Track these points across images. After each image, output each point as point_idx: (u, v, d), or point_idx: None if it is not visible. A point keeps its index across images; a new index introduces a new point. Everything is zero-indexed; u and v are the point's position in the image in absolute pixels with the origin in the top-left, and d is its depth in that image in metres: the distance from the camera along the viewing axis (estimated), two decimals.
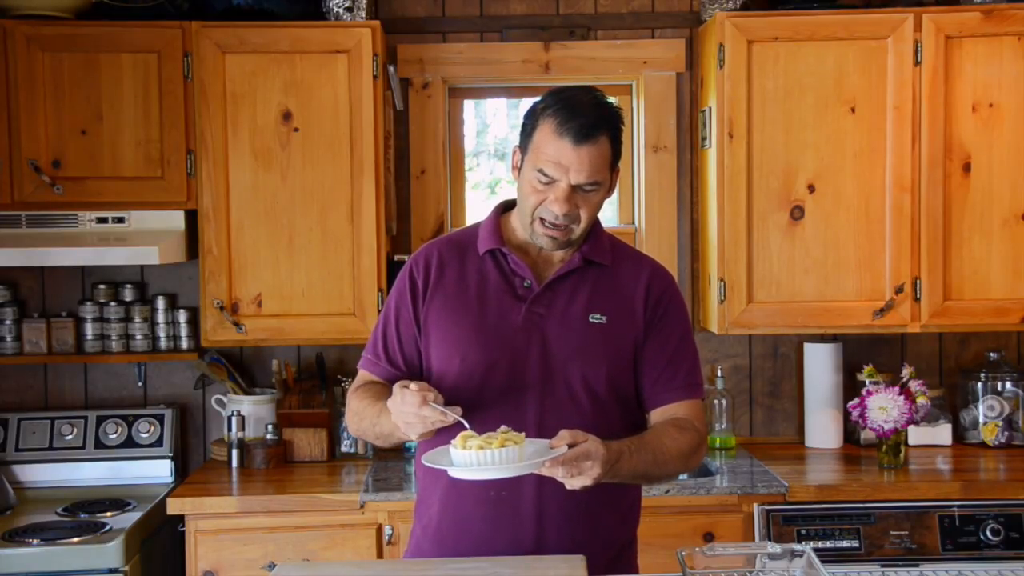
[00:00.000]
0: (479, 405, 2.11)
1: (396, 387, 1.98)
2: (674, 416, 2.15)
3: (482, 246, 2.19)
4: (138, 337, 3.63)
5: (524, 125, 2.14)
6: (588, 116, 2.06)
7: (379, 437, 2.16)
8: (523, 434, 1.93)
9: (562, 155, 2.05)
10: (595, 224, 2.22)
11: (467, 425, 1.97)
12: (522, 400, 2.10)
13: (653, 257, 2.36)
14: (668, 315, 2.20)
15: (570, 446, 1.88)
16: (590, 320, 2.14)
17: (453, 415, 1.95)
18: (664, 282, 2.23)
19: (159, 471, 3.61)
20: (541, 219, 2.10)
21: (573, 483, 1.90)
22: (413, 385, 1.96)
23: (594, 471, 1.89)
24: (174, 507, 3.17)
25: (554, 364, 2.11)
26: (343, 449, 3.65)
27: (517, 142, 2.17)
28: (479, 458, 1.87)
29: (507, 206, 2.26)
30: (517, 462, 1.88)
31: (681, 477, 3.59)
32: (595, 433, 2.07)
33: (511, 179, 2.23)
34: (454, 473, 1.92)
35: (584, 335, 2.13)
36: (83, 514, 3.30)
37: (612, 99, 2.15)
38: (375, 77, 3.40)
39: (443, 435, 2.02)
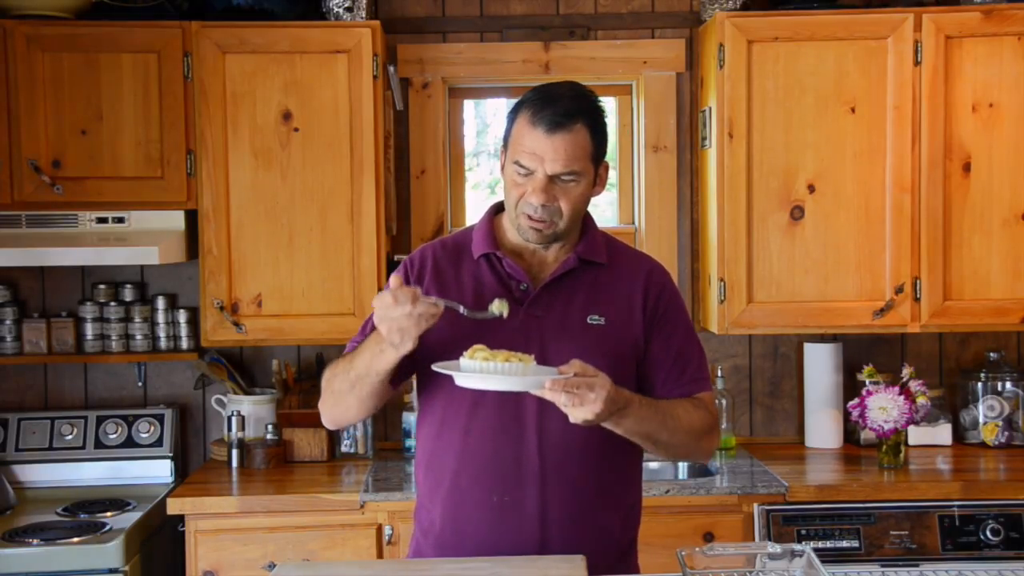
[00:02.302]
0: (478, 409, 2.11)
1: (379, 296, 1.94)
2: None
3: (476, 250, 2.18)
4: (138, 337, 3.63)
5: (506, 122, 2.15)
6: (562, 105, 2.06)
7: (356, 382, 2.07)
8: (532, 356, 1.96)
9: (536, 144, 2.05)
10: (588, 222, 2.22)
11: (462, 309, 1.99)
12: (521, 403, 2.09)
13: (651, 256, 2.35)
14: (669, 313, 2.19)
15: (579, 376, 1.90)
16: (588, 322, 2.14)
17: (445, 301, 1.96)
18: (662, 280, 2.22)
19: (159, 471, 3.61)
20: (524, 212, 2.09)
21: (575, 414, 1.91)
22: (393, 282, 1.94)
23: (596, 405, 1.89)
24: (174, 507, 3.17)
25: (553, 367, 2.10)
26: (343, 449, 3.65)
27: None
28: (484, 367, 1.90)
29: (499, 208, 2.25)
30: (522, 376, 1.90)
31: (681, 477, 3.60)
32: (598, 435, 2.07)
33: None
34: (460, 381, 1.94)
35: (583, 337, 2.12)
36: (83, 514, 3.30)
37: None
38: (375, 77, 3.40)
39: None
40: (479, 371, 1.91)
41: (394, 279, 1.96)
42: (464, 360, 1.94)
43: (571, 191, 2.09)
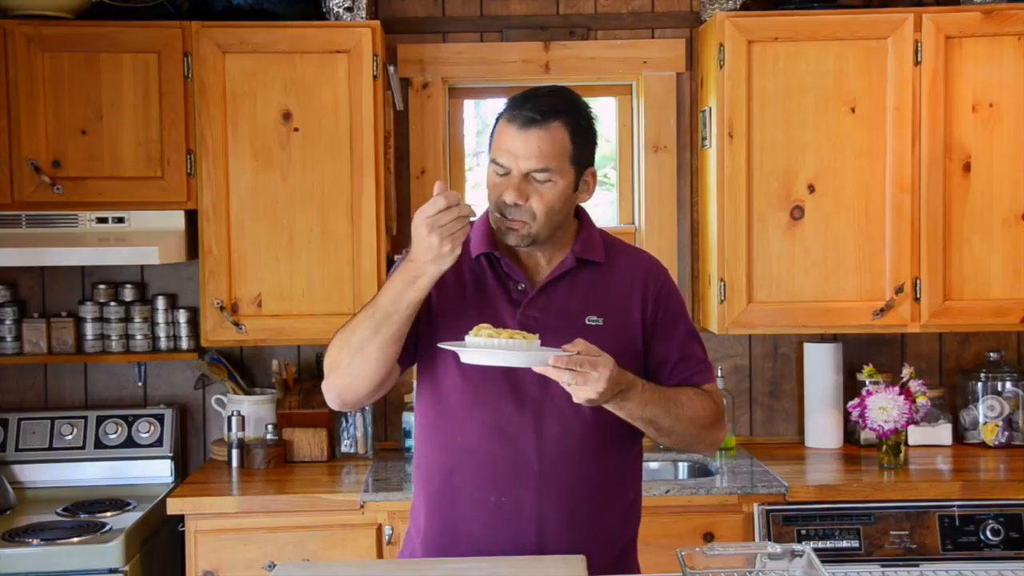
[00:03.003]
0: (477, 409, 2.10)
1: (429, 203, 1.92)
2: None
3: (475, 249, 2.17)
4: (138, 337, 3.63)
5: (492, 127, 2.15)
6: (538, 103, 2.05)
7: (382, 323, 1.98)
8: (536, 335, 1.96)
9: (511, 142, 2.05)
10: (585, 221, 2.21)
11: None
12: (521, 404, 2.09)
13: (650, 253, 2.34)
14: (669, 311, 2.19)
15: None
16: (587, 323, 2.12)
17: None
18: (660, 278, 2.22)
19: (159, 471, 3.61)
20: (499, 213, 2.08)
21: (578, 393, 1.91)
22: (440, 186, 1.94)
23: (599, 384, 1.89)
24: (174, 507, 3.17)
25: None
26: (343, 449, 3.65)
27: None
28: (489, 343, 1.90)
29: None
30: (526, 352, 1.91)
31: (681, 477, 3.60)
32: (596, 435, 2.08)
33: None
34: (465, 357, 1.94)
35: (581, 337, 2.11)
36: (83, 514, 3.30)
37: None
38: (375, 77, 3.40)
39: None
40: (485, 346, 1.91)
41: (440, 184, 1.94)
42: (469, 337, 1.94)
43: (545, 192, 2.06)
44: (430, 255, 1.93)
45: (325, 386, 2.12)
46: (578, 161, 2.09)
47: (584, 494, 2.11)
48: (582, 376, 1.89)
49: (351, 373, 2.05)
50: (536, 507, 2.09)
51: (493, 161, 2.08)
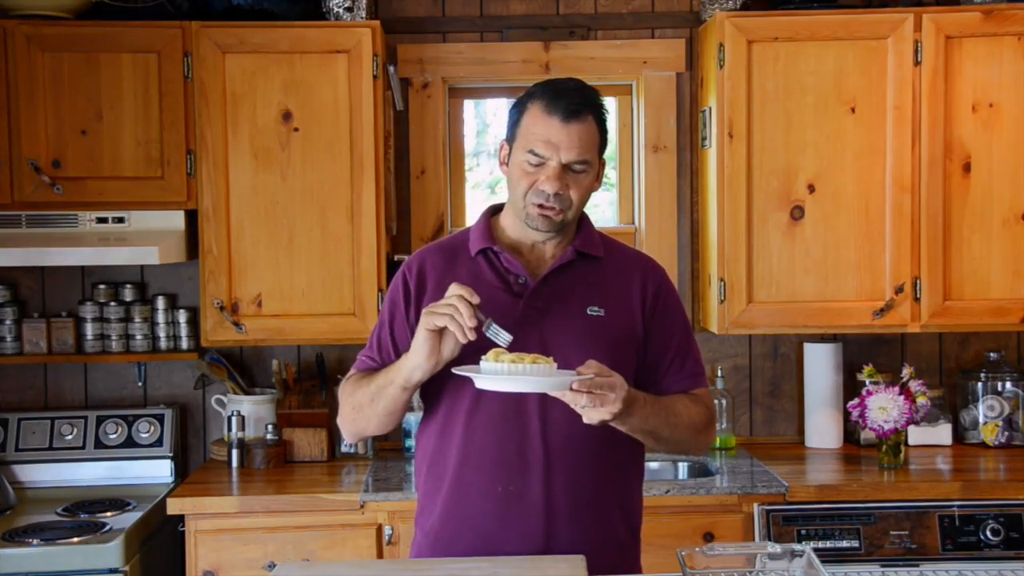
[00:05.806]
0: (480, 402, 2.11)
1: (460, 304, 1.96)
2: None
3: (473, 247, 2.20)
4: (138, 337, 3.63)
5: (511, 116, 2.18)
6: (574, 96, 2.11)
7: (376, 395, 2.11)
8: (551, 358, 1.97)
9: (552, 133, 2.08)
10: (584, 218, 2.25)
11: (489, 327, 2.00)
12: (524, 395, 2.09)
13: (646, 253, 2.38)
14: (667, 308, 2.22)
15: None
16: (588, 313, 2.15)
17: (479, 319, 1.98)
18: (659, 275, 2.26)
19: (159, 471, 3.61)
20: (534, 202, 2.11)
21: (592, 415, 1.93)
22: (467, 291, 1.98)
23: (615, 405, 1.92)
24: (174, 507, 3.17)
25: (555, 358, 2.10)
26: (343, 449, 3.65)
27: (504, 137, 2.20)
28: (511, 369, 1.90)
29: (495, 210, 2.27)
30: (547, 377, 1.91)
31: (681, 477, 3.60)
32: (597, 426, 2.08)
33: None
34: (482, 384, 1.94)
35: (583, 327, 2.13)
36: (83, 514, 3.30)
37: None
38: (375, 77, 3.40)
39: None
40: (507, 372, 1.91)
41: (465, 289, 1.98)
42: (489, 363, 1.94)
43: (581, 181, 2.13)
44: (430, 344, 2.01)
45: (339, 423, 2.25)
46: (601, 152, 2.18)
47: (590, 482, 2.13)
48: (600, 399, 1.91)
49: (357, 426, 2.20)
50: (543, 494, 2.10)
51: (530, 151, 2.10)
